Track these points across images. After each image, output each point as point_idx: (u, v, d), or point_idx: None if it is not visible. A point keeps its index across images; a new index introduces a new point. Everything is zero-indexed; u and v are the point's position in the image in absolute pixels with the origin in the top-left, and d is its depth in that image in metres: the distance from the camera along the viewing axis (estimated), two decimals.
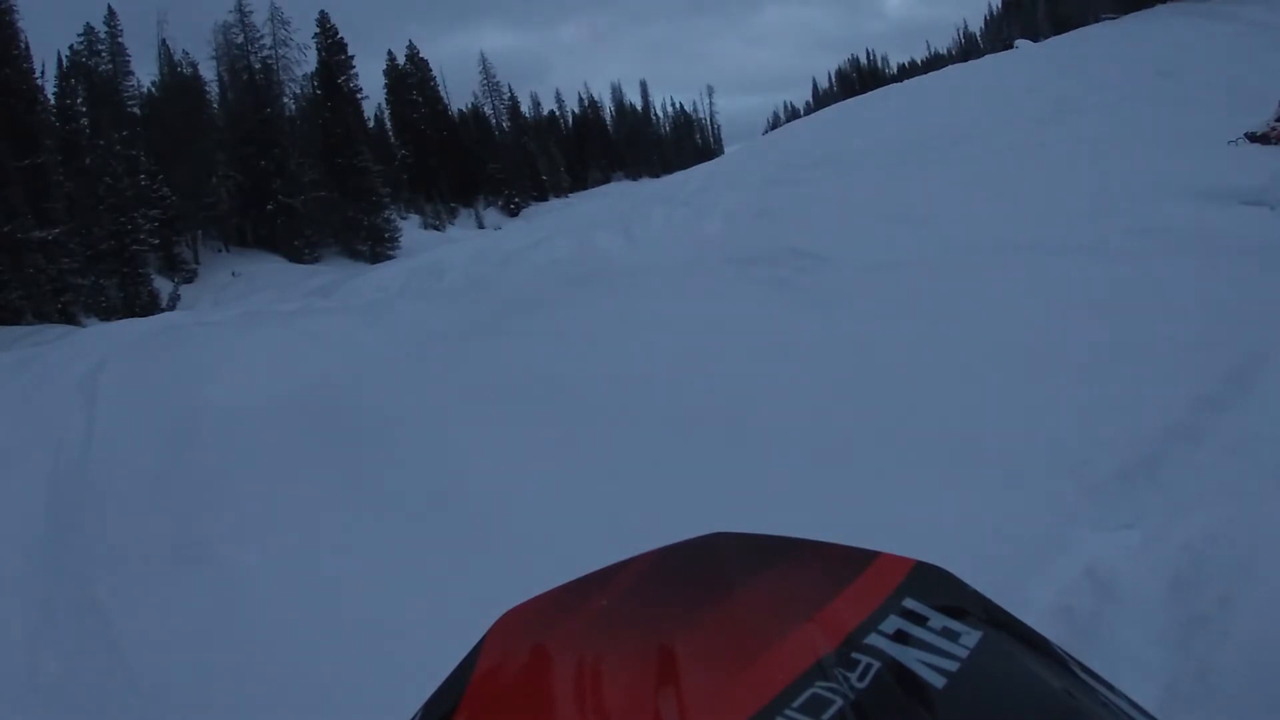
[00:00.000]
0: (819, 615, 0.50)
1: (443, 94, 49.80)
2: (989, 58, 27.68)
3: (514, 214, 46.21)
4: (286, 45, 37.33)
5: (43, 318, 21.73)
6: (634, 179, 55.39)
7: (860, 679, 0.44)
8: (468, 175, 47.53)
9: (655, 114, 72.02)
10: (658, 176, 40.76)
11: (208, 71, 36.63)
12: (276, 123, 35.05)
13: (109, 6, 34.26)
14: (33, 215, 22.45)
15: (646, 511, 2.25)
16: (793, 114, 75.64)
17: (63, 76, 30.86)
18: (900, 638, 0.48)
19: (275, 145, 34.06)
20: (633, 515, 2.31)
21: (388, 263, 26.15)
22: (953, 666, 0.46)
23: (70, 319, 22.40)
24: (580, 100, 68.91)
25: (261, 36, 37.05)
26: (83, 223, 24.91)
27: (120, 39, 34.64)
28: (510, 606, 0.60)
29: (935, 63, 62.11)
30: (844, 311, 4.30)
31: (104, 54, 34.16)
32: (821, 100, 72.43)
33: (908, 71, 65.09)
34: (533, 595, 0.61)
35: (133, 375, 5.57)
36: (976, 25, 72.89)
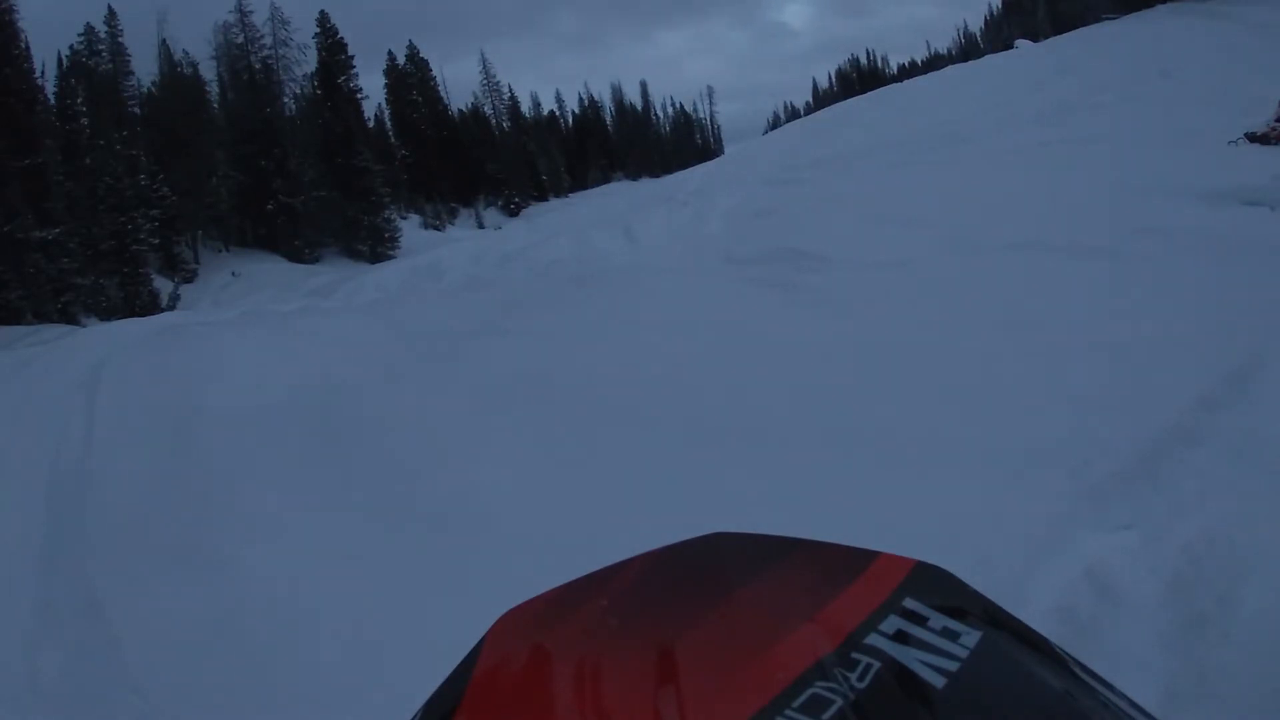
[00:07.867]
0: (819, 615, 0.50)
1: (443, 94, 49.80)
2: (989, 58, 27.69)
3: (514, 214, 46.16)
4: (286, 45, 37.29)
5: (43, 318, 21.69)
6: (634, 179, 55.32)
7: (860, 679, 0.44)
8: (468, 175, 47.48)
9: (655, 114, 71.94)
10: (658, 177, 40.70)
11: (208, 71, 36.61)
12: (276, 122, 35.01)
13: (109, 6, 34.26)
14: (33, 215, 22.39)
15: (647, 511, 2.25)
16: (793, 114, 75.63)
17: (63, 76, 30.83)
18: (900, 638, 0.48)
19: (275, 145, 34.03)
20: (633, 515, 2.31)
21: (388, 263, 26.21)
22: (953, 666, 0.46)
23: (70, 319, 22.36)
24: (580, 100, 68.99)
25: (261, 36, 37.03)
26: (83, 223, 24.86)
27: (120, 39, 34.63)
28: (510, 606, 0.60)
29: (935, 63, 62.10)
30: (844, 311, 4.31)
31: (104, 54, 34.14)
32: (821, 100, 72.39)
33: (908, 72, 65.09)
34: (533, 595, 0.61)
35: (133, 375, 5.57)
36: (976, 25, 72.88)
